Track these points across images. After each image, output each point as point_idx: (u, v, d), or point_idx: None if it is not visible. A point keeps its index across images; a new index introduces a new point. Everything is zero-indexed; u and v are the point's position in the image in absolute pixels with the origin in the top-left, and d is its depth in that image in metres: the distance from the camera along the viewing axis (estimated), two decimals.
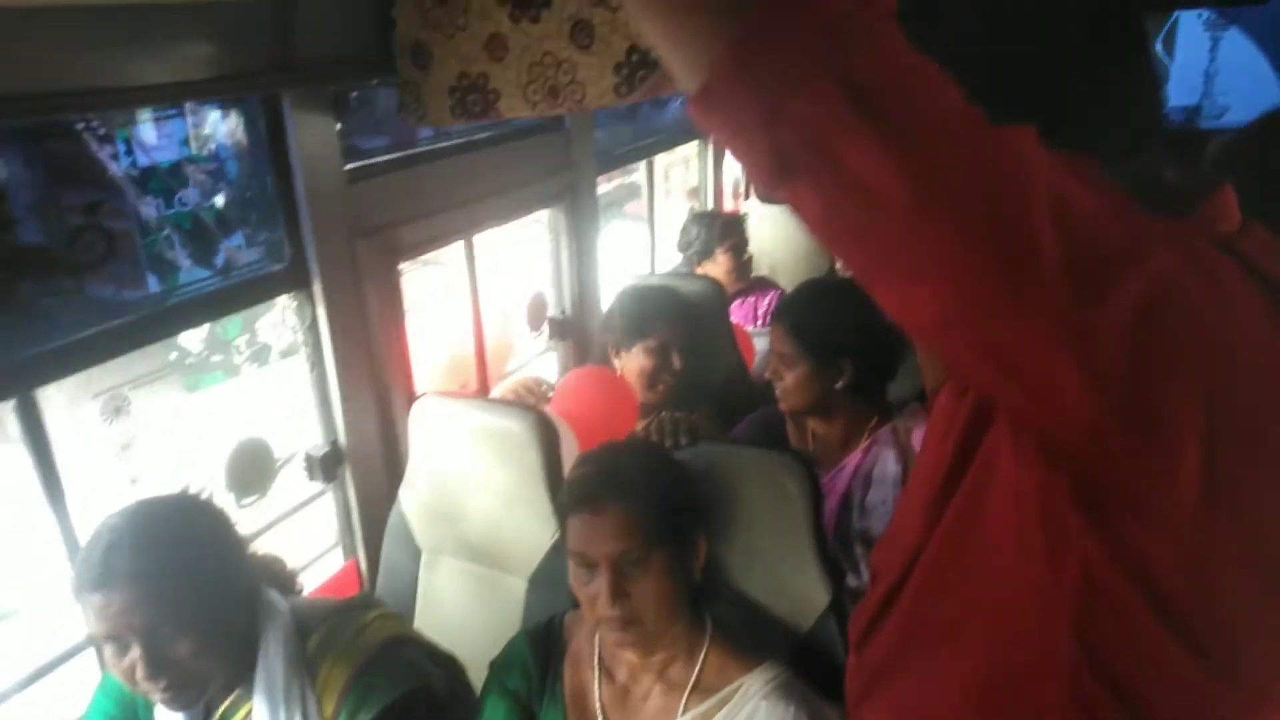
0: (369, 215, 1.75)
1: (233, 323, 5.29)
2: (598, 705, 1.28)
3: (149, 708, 1.26)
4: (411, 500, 1.75)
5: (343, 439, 1.78)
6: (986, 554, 0.67)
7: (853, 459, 1.77)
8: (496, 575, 1.69)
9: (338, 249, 1.68)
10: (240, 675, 1.18)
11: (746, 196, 3.88)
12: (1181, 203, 0.61)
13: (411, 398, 1.86)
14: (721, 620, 1.29)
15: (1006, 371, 0.52)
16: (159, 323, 1.48)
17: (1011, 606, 0.64)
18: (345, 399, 1.75)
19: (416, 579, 1.77)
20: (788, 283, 3.09)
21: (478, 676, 1.39)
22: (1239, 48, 4.49)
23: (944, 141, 0.46)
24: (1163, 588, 0.56)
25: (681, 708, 1.22)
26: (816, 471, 1.41)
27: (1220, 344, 0.51)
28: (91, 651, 1.41)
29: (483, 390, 2.28)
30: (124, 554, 1.07)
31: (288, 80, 1.51)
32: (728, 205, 3.80)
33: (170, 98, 1.40)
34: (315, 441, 1.79)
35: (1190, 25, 4.56)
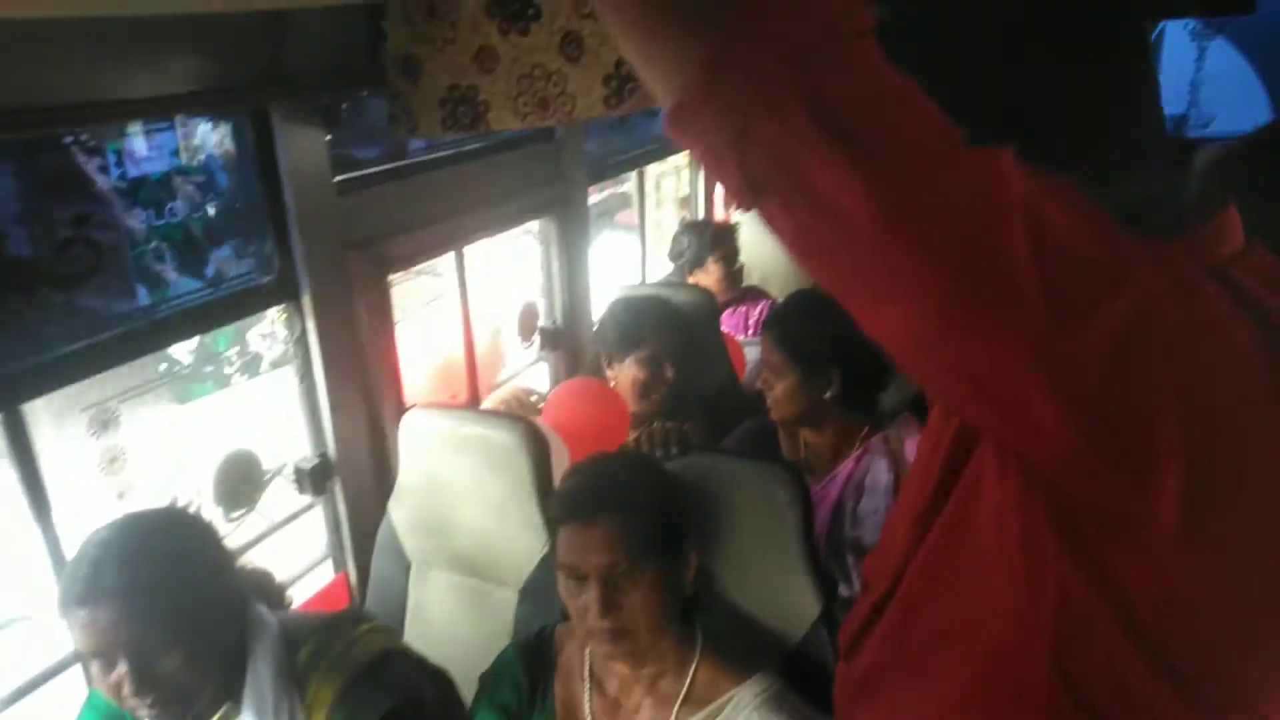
0: (359, 227, 1.75)
1: (224, 334, 5.27)
2: (588, 718, 1.27)
3: None
4: (401, 512, 1.74)
5: (332, 451, 1.77)
6: (970, 571, 0.67)
7: (844, 468, 1.77)
8: (487, 587, 1.69)
9: (327, 261, 1.67)
10: (229, 690, 1.17)
11: (737, 206, 3.88)
12: (1175, 224, 0.60)
13: (401, 409, 1.86)
14: (712, 631, 1.28)
15: (980, 394, 0.51)
16: (148, 336, 1.48)
17: (992, 625, 0.64)
18: (335, 411, 1.75)
19: (406, 591, 1.77)
20: (779, 292, 3.09)
21: (468, 689, 1.38)
22: (1225, 56, 4.53)
23: (914, 164, 0.46)
24: (1139, 613, 0.55)
25: None
26: (807, 481, 1.41)
27: (1201, 371, 0.49)
28: (78, 667, 1.40)
29: (473, 401, 2.28)
30: (111, 569, 1.07)
31: (277, 93, 1.51)
32: (719, 215, 3.81)
33: (159, 111, 1.40)
34: (304, 453, 1.79)
35: (1176, 35, 4.60)
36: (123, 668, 1.06)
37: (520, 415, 1.89)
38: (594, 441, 1.86)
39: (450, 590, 1.73)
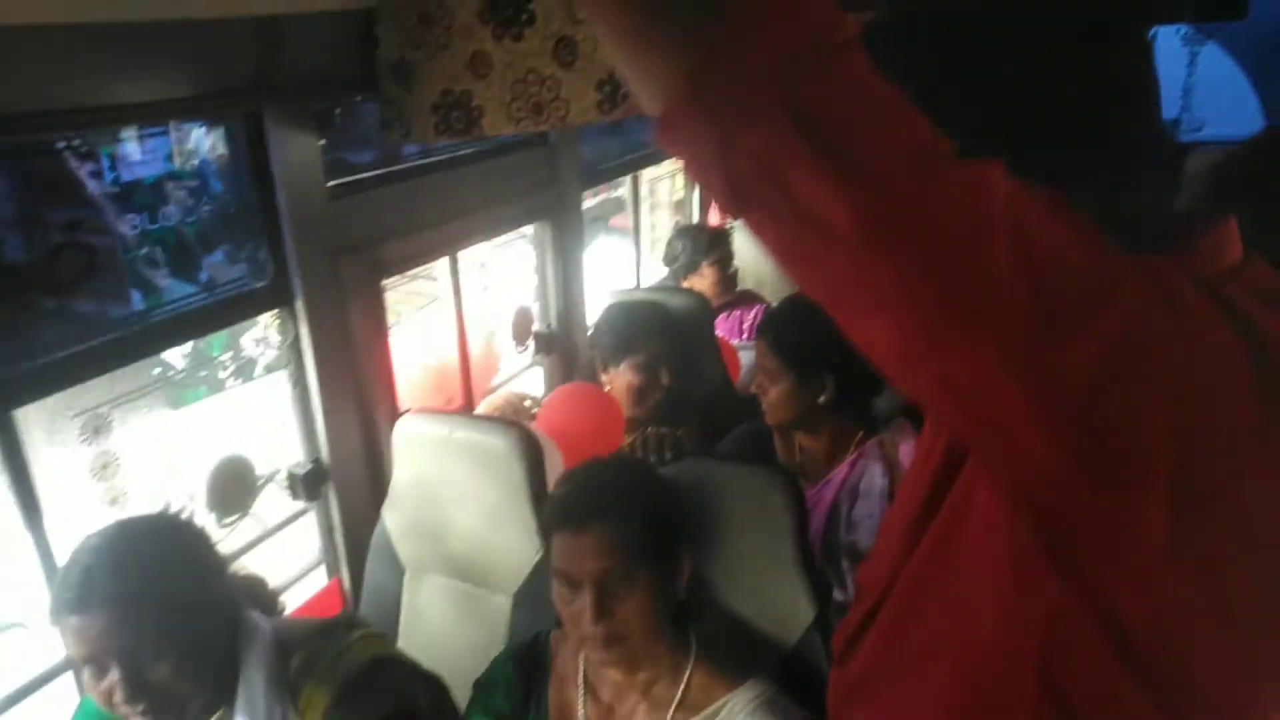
0: (352, 232, 1.75)
1: (217, 338, 5.25)
2: None
3: None
4: (395, 518, 1.74)
5: (326, 456, 1.77)
6: (960, 582, 0.67)
7: (839, 472, 1.77)
8: (481, 593, 1.68)
9: (320, 266, 1.67)
10: (221, 697, 1.16)
11: (724, 215, 3.88)
12: (1167, 237, 0.59)
13: (395, 414, 1.85)
14: (706, 637, 1.28)
15: (964, 408, 0.51)
16: (140, 341, 1.47)
17: (980, 637, 0.64)
18: (328, 416, 1.74)
19: (400, 597, 1.76)
20: (773, 296, 3.10)
21: (462, 695, 1.38)
22: (1217, 62, 4.55)
23: (898, 177, 0.45)
24: (1126, 627, 0.55)
25: None
26: (801, 486, 1.41)
27: (1189, 388, 0.49)
28: (69, 674, 1.40)
29: (468, 405, 2.28)
30: (103, 576, 1.06)
31: (270, 98, 1.51)
32: (713, 219, 3.81)
33: (153, 117, 1.40)
34: (298, 459, 1.78)
35: (1168, 40, 4.61)
36: (115, 675, 1.06)
37: (514, 420, 1.89)
38: (589, 447, 1.85)
39: (444, 596, 1.73)
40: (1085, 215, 0.49)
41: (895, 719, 0.74)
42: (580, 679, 1.30)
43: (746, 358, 2.66)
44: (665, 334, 2.23)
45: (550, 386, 2.54)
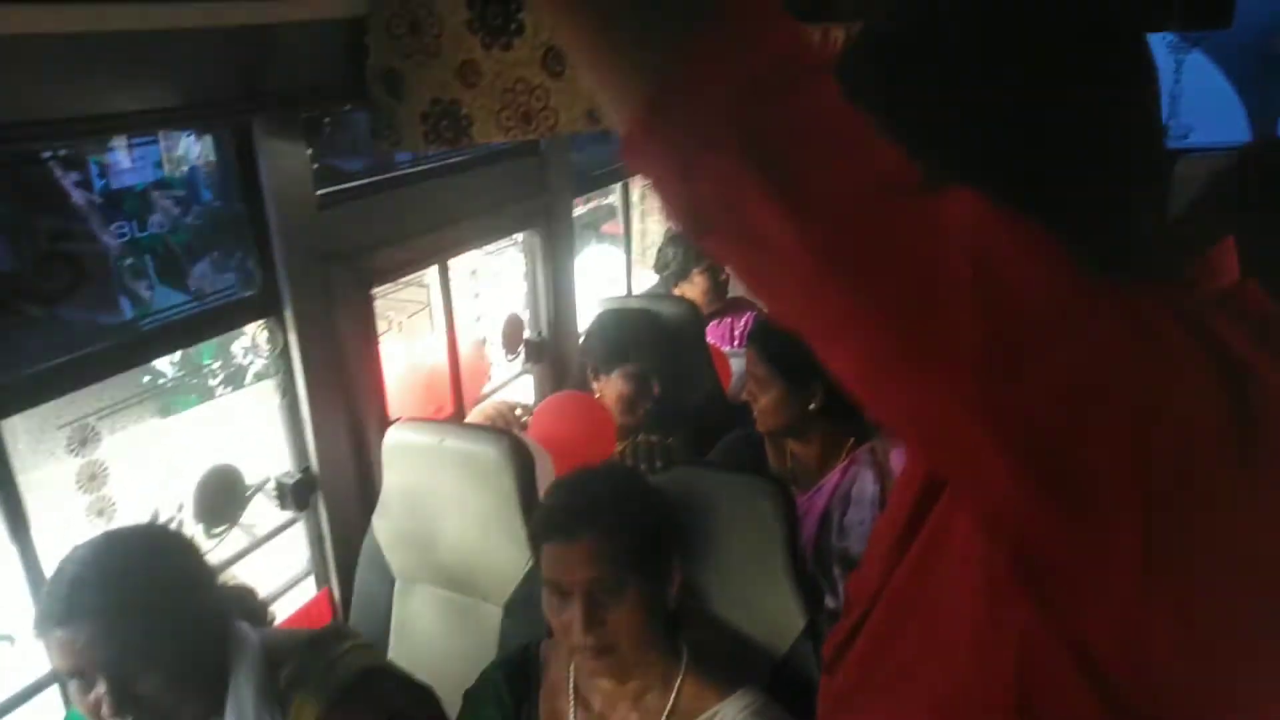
0: (341, 241, 1.74)
1: (207, 346, 5.23)
2: None
3: None
4: (385, 527, 1.73)
5: (315, 466, 1.76)
6: (938, 603, 0.66)
7: (831, 479, 1.77)
8: (471, 602, 1.68)
9: (309, 275, 1.67)
10: (210, 710, 1.16)
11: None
12: (1150, 265, 0.58)
13: (385, 423, 1.85)
14: (697, 646, 1.28)
15: (928, 442, 0.50)
16: (129, 351, 1.47)
17: (955, 660, 0.63)
18: (317, 425, 1.74)
19: (390, 607, 1.75)
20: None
21: (453, 706, 1.37)
22: (1202, 70, 4.59)
23: (855, 207, 0.44)
24: (1099, 660, 0.54)
25: None
26: (792, 494, 1.41)
27: (1162, 422, 0.47)
28: (56, 687, 1.38)
29: (458, 414, 2.27)
30: (89, 588, 1.05)
31: (259, 108, 1.50)
32: None
33: (141, 126, 1.39)
34: (287, 468, 1.77)
35: (1155, 48, 4.65)
36: (101, 688, 1.05)
37: (505, 429, 1.88)
38: (579, 455, 1.85)
39: (434, 605, 1.72)
40: (1063, 242, 0.48)
41: None
42: (571, 688, 1.29)
43: (738, 365, 2.66)
44: (656, 342, 2.24)
45: (541, 395, 2.53)
